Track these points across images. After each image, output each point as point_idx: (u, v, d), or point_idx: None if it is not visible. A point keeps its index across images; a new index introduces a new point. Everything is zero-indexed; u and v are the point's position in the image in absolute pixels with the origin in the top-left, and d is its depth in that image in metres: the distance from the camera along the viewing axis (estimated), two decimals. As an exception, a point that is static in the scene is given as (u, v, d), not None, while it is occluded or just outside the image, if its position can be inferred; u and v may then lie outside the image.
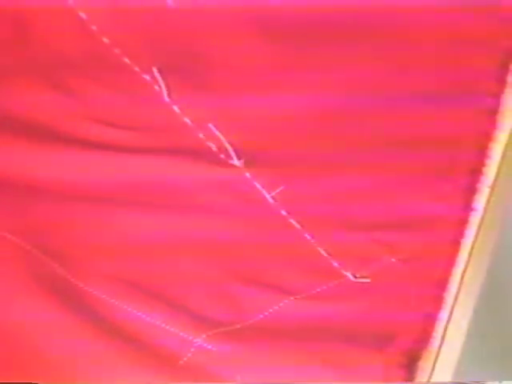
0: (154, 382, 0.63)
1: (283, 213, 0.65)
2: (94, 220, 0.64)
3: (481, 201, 0.66)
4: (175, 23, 0.62)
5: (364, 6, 0.65)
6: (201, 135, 0.64)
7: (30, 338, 0.63)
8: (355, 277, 0.66)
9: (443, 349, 0.65)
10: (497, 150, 0.66)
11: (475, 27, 0.65)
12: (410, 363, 0.64)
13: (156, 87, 0.63)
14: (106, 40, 0.61)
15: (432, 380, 0.64)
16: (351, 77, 0.65)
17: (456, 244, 0.66)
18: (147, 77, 0.62)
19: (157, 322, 0.64)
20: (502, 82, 0.66)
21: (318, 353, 0.64)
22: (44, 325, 0.63)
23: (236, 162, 0.64)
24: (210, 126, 0.64)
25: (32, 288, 0.63)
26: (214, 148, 0.64)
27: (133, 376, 0.63)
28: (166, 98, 0.63)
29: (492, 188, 0.66)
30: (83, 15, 0.60)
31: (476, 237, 0.66)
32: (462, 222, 0.67)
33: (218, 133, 0.64)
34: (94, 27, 0.61)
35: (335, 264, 0.66)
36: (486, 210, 0.66)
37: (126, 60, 0.62)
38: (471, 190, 0.66)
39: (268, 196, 0.65)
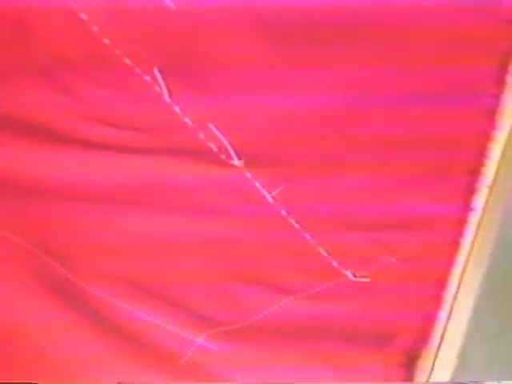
0: (154, 381, 0.64)
1: (283, 213, 0.65)
2: (94, 220, 0.65)
3: (480, 201, 0.66)
4: (176, 24, 0.62)
5: (364, 6, 0.65)
6: (201, 135, 0.64)
7: (31, 338, 0.63)
8: (355, 276, 0.66)
9: (442, 348, 0.65)
10: (496, 150, 0.66)
11: (475, 28, 0.65)
12: (410, 362, 0.64)
13: (156, 88, 0.63)
14: (106, 41, 0.61)
15: (431, 379, 0.64)
16: (351, 77, 0.66)
17: (455, 244, 0.67)
18: (148, 77, 0.62)
19: (157, 322, 0.64)
20: (501, 83, 0.66)
21: (318, 352, 0.64)
22: (45, 324, 0.63)
23: (236, 162, 0.64)
24: (211, 126, 0.64)
25: (33, 287, 0.63)
26: (215, 148, 0.64)
27: (133, 375, 0.64)
28: (167, 99, 0.63)
29: (491, 188, 0.66)
30: (84, 16, 0.60)
31: (475, 237, 0.66)
32: (461, 222, 0.67)
33: (218, 133, 0.64)
34: (94, 28, 0.61)
35: (335, 264, 0.66)
36: (485, 209, 0.66)
37: (127, 61, 0.62)
38: (470, 190, 0.67)
39: (268, 196, 0.65)
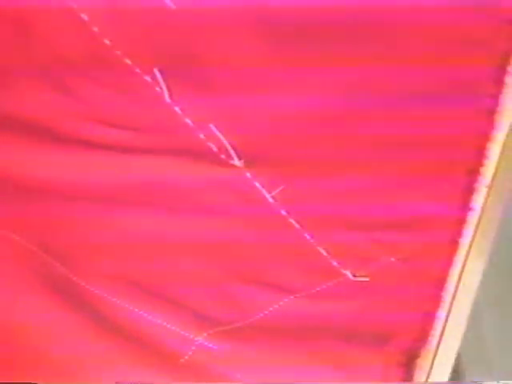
0: (155, 381, 0.64)
1: (283, 212, 0.66)
2: (95, 219, 0.65)
3: (479, 200, 0.67)
4: (176, 24, 0.61)
5: (364, 6, 0.65)
6: (201, 136, 0.64)
7: (32, 337, 0.64)
8: (354, 276, 0.66)
9: (441, 348, 0.65)
10: (495, 150, 0.66)
11: (475, 28, 0.65)
12: (409, 362, 0.65)
13: (157, 88, 0.62)
14: (107, 41, 0.61)
15: (430, 379, 0.65)
16: (351, 77, 0.65)
17: (454, 243, 0.67)
18: (148, 78, 0.62)
19: (158, 321, 0.64)
20: (500, 83, 0.66)
21: (318, 351, 0.65)
22: (46, 324, 0.64)
23: (236, 162, 0.64)
24: (211, 126, 0.64)
25: (34, 287, 0.63)
26: (215, 148, 0.64)
27: (134, 374, 0.64)
28: (167, 99, 0.63)
29: (490, 188, 0.66)
30: (84, 17, 0.60)
31: (474, 236, 0.67)
32: (460, 222, 0.67)
33: (218, 133, 0.64)
34: (95, 28, 0.61)
35: (334, 263, 0.66)
36: (483, 209, 0.67)
37: (127, 61, 0.62)
38: (469, 190, 0.67)
39: (268, 196, 0.65)
